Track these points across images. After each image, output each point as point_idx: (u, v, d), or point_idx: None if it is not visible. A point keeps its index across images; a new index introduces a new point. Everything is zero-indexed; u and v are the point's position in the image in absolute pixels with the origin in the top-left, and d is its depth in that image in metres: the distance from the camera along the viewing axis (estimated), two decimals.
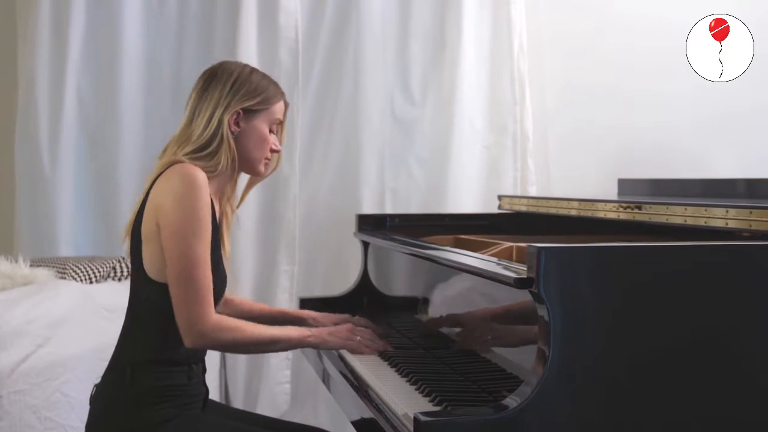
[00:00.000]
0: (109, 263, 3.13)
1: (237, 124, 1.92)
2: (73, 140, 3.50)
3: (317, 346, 1.97)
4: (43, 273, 2.84)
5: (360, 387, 1.82)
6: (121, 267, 3.17)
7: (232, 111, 1.90)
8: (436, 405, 1.60)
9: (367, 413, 1.76)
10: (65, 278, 2.94)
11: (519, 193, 3.28)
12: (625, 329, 1.39)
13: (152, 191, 1.84)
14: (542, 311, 1.38)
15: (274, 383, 3.41)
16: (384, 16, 3.42)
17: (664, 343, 1.39)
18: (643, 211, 1.95)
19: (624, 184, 2.88)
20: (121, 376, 1.85)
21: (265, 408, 3.35)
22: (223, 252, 1.96)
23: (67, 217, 3.50)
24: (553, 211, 2.41)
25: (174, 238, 1.77)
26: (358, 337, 1.98)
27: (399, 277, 2.51)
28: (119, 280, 3.14)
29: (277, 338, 1.88)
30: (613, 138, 3.28)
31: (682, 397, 1.39)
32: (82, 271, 3.01)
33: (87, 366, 2.67)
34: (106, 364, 2.74)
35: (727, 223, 1.69)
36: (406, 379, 1.80)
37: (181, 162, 1.85)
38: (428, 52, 3.42)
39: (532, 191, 3.33)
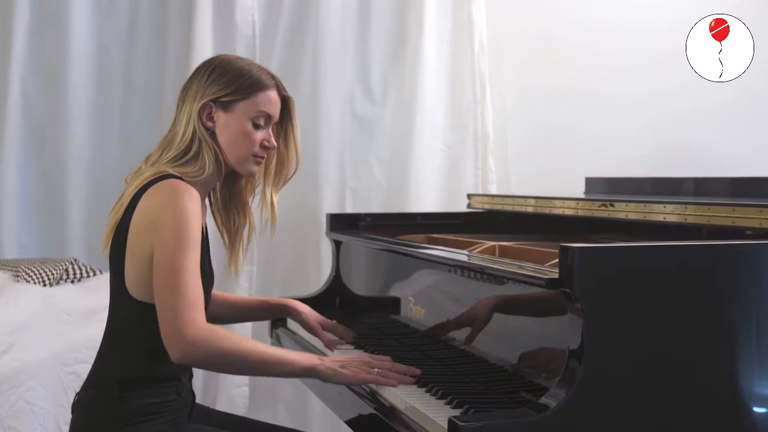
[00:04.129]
0: (61, 265, 3.03)
1: (210, 118, 1.79)
2: (18, 138, 3.37)
3: (328, 379, 1.72)
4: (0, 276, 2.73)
5: (366, 393, 1.80)
6: (73, 269, 3.06)
7: (201, 104, 1.77)
8: (454, 408, 1.58)
9: (367, 410, 1.74)
10: (19, 281, 2.83)
11: (480, 192, 3.29)
12: (658, 326, 1.40)
13: (140, 207, 1.71)
14: (575, 311, 1.38)
15: (231, 386, 3.35)
16: (343, 13, 3.38)
17: (696, 339, 1.41)
18: (637, 209, 1.98)
19: (591, 183, 2.92)
20: (108, 393, 1.73)
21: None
22: (233, 265, 1.89)
23: (12, 217, 3.37)
24: (537, 209, 2.42)
25: (163, 247, 1.65)
26: (376, 369, 1.74)
27: (374, 276, 2.49)
28: (72, 281, 3.04)
29: (283, 360, 1.68)
30: (571, 138, 3.32)
31: (718, 392, 1.41)
32: (35, 274, 2.90)
33: (50, 373, 2.58)
34: (68, 370, 2.68)
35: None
36: (412, 380, 1.78)
37: (167, 175, 1.74)
38: (389, 50, 3.40)
39: (492, 190, 3.35)
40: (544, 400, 1.36)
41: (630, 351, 1.39)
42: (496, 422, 1.30)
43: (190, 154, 1.77)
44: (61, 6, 3.36)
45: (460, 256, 1.92)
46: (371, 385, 1.78)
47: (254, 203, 1.94)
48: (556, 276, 1.41)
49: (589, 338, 1.36)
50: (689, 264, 1.43)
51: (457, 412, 1.55)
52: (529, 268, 1.57)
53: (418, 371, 1.75)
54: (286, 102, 1.87)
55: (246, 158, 1.82)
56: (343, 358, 1.77)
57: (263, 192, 1.92)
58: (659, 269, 1.41)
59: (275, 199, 1.92)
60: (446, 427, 1.38)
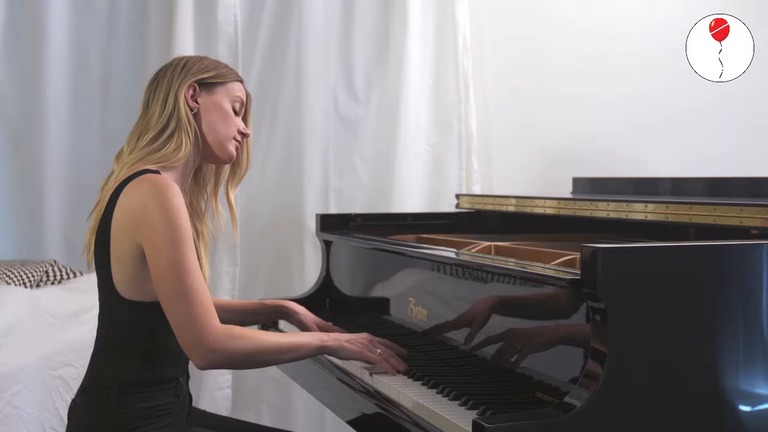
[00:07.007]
0: (41, 267, 2.98)
1: (195, 100, 1.83)
2: None
3: (336, 353, 1.81)
4: None
5: (371, 392, 1.79)
6: (54, 270, 3.02)
7: (186, 86, 1.81)
8: (469, 409, 1.58)
9: (372, 410, 1.74)
10: (0, 283, 2.77)
11: (464, 192, 3.29)
12: (679, 325, 1.41)
13: (120, 205, 1.69)
14: (597, 310, 1.39)
15: (214, 388, 3.31)
16: (327, 12, 3.36)
17: (717, 338, 1.42)
18: (638, 209, 1.99)
19: (578, 183, 2.94)
20: (107, 398, 1.72)
21: None
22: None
23: None
24: (526, 209, 2.43)
25: (161, 253, 1.63)
26: (379, 350, 1.84)
27: (370, 277, 2.47)
28: (53, 283, 2.99)
29: (296, 345, 1.75)
30: (553, 138, 3.34)
31: (742, 389, 1.43)
32: (16, 276, 2.85)
33: (37, 377, 2.54)
34: (54, 373, 2.64)
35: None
36: (421, 382, 1.77)
37: (145, 170, 1.72)
38: (372, 49, 3.38)
39: (476, 190, 3.35)
40: (568, 399, 1.36)
41: (652, 349, 1.39)
42: (526, 423, 1.30)
43: (167, 133, 1.79)
44: (37, 4, 3.30)
45: (469, 257, 1.91)
46: (378, 387, 1.79)
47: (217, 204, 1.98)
48: (578, 276, 1.41)
49: (612, 337, 1.37)
50: (710, 264, 1.44)
51: (473, 413, 1.55)
52: (545, 268, 1.57)
53: (406, 365, 1.84)
54: (246, 99, 1.94)
55: (228, 139, 1.87)
56: (350, 335, 1.85)
57: (215, 192, 1.97)
58: (681, 269, 1.42)
59: (233, 198, 1.97)
60: (468, 429, 1.38)
